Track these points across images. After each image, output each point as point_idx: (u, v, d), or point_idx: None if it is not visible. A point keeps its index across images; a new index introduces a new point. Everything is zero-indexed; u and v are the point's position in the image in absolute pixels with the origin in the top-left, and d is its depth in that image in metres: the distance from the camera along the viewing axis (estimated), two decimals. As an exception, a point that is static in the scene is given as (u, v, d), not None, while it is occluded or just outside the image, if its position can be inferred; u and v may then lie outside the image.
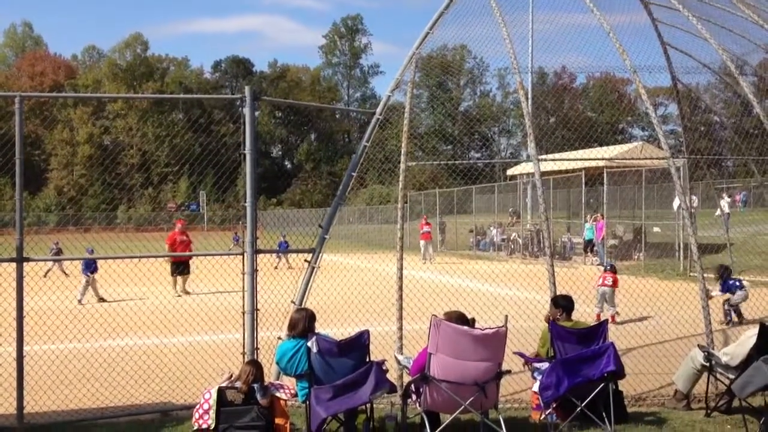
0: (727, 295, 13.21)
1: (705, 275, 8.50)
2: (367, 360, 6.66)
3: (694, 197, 20.95)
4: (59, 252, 22.78)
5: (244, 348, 8.00)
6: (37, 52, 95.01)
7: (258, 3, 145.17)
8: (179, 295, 18.71)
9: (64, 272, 23.54)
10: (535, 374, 7.34)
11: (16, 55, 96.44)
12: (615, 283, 14.08)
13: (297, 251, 8.77)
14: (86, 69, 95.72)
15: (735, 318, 13.09)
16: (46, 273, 22.95)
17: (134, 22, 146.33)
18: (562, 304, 7.70)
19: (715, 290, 12.89)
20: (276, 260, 24.95)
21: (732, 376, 6.94)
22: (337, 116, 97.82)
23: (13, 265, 7.58)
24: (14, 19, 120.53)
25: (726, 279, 13.23)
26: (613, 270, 14.60)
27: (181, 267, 19.34)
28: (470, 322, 6.68)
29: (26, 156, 7.63)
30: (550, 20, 10.92)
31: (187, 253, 17.57)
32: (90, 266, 17.50)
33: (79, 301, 16.99)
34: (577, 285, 13.68)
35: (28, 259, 7.75)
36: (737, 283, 13.25)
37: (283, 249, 12.55)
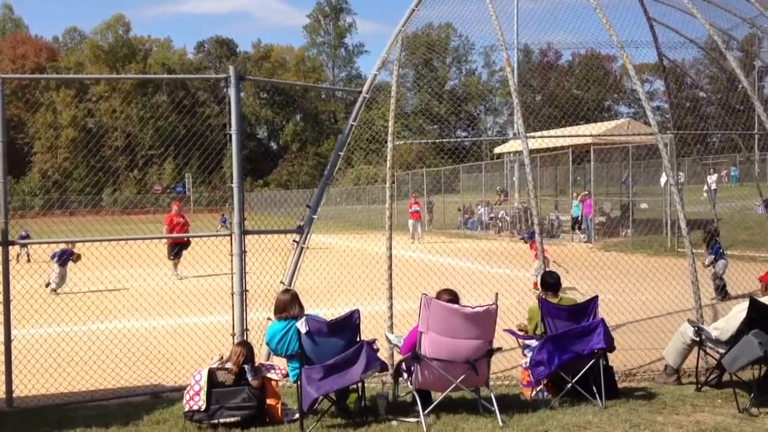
0: (712, 269, 13.30)
1: (693, 251, 8.53)
2: (358, 339, 6.64)
3: (680, 173, 21.01)
4: (27, 237, 22.30)
5: (233, 329, 7.99)
6: (17, 34, 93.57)
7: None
8: (180, 279, 18.28)
9: (28, 257, 23.23)
10: (526, 351, 7.36)
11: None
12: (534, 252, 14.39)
13: (286, 231, 8.73)
14: (68, 51, 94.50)
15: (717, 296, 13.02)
16: (17, 258, 22.70)
17: (116, 4, 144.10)
18: (548, 281, 7.71)
19: (708, 258, 13.10)
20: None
21: (722, 351, 6.98)
22: (323, 96, 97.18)
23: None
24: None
25: (714, 243, 13.35)
26: (531, 238, 15.03)
27: (177, 249, 18.78)
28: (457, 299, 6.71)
29: (9, 140, 7.54)
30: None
31: (174, 235, 17.38)
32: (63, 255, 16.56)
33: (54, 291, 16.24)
34: (564, 262, 13.73)
35: (13, 243, 7.69)
36: (720, 249, 13.41)
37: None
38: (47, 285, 16.27)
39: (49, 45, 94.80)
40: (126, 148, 73.60)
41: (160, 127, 68.13)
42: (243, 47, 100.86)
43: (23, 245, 21.36)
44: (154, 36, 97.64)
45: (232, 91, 8.07)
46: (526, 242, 15.47)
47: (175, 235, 17.54)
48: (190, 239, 17.74)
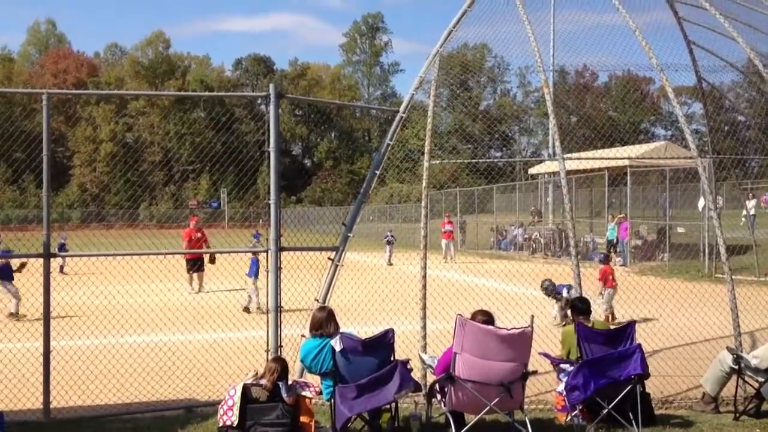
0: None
1: (733, 276, 8.39)
2: (392, 359, 6.63)
3: (719, 197, 20.72)
4: (63, 246, 22.41)
5: (267, 345, 8.01)
6: (60, 49, 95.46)
7: (287, 2, 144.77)
8: (196, 292, 18.76)
9: (62, 270, 23.45)
10: (561, 375, 7.28)
11: (40, 52, 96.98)
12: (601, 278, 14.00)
13: (322, 249, 8.75)
14: (108, 67, 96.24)
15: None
16: (60, 269, 23.03)
17: (156, 21, 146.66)
18: (579, 306, 7.62)
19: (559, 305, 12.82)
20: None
21: (761, 380, 6.85)
22: (357, 114, 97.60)
23: (39, 260, 7.64)
24: (38, 17, 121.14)
25: (558, 289, 13.01)
26: (605, 262, 14.58)
27: (197, 264, 19.38)
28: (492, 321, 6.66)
29: (50, 153, 7.69)
30: (572, 19, 10.86)
31: (214, 250, 17.58)
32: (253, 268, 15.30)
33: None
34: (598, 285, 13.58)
35: (54, 255, 7.81)
36: (563, 288, 13.06)
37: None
38: (245, 309, 15.06)
39: (90, 60, 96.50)
40: (165, 164, 74.51)
41: (197, 143, 68.91)
42: (280, 65, 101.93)
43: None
44: (193, 53, 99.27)
45: (271, 109, 8.13)
46: (602, 263, 14.72)
47: (214, 250, 17.88)
48: (207, 254, 18.39)
